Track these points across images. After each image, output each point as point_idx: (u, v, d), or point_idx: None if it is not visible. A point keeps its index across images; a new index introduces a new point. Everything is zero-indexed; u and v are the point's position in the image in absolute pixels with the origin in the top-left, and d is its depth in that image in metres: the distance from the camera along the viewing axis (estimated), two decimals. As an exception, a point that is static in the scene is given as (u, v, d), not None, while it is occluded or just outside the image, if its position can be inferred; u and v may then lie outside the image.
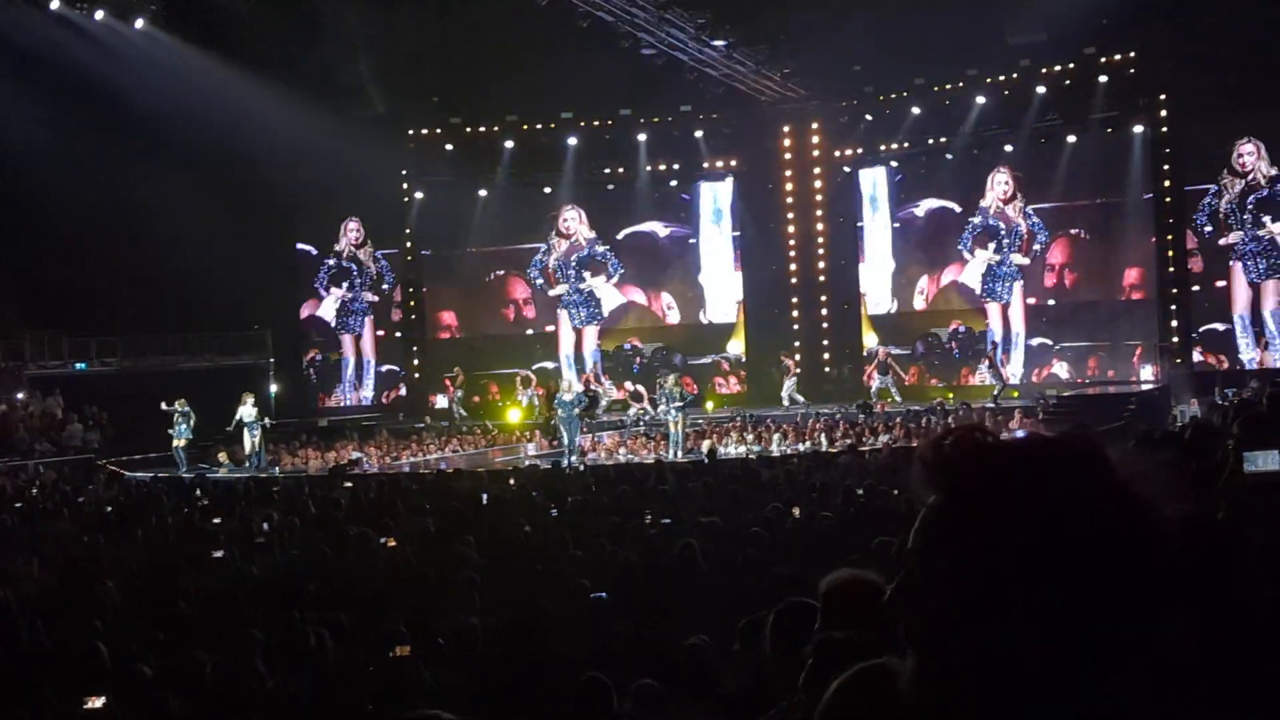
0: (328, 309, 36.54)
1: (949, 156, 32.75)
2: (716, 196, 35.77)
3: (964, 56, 30.74)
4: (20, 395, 30.03)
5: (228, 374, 31.41)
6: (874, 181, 34.52)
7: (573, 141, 35.00)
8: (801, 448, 25.24)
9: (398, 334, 37.04)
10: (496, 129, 35.22)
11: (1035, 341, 32.08)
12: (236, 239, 29.63)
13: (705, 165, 35.45)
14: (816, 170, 35.16)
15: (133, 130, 27.75)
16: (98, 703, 6.99)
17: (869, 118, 33.57)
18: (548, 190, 35.87)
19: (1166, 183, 29.95)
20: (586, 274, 35.87)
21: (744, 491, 15.51)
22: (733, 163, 35.51)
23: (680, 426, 26.17)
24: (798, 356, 33.38)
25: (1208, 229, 29.58)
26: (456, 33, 31.02)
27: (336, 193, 33.97)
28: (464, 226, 35.68)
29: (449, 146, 35.65)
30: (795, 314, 35.20)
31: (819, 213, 35.21)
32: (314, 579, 11.09)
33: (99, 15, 27.20)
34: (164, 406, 27.45)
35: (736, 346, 35.55)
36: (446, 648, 8.23)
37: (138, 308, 30.49)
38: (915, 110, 32.43)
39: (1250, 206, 29.06)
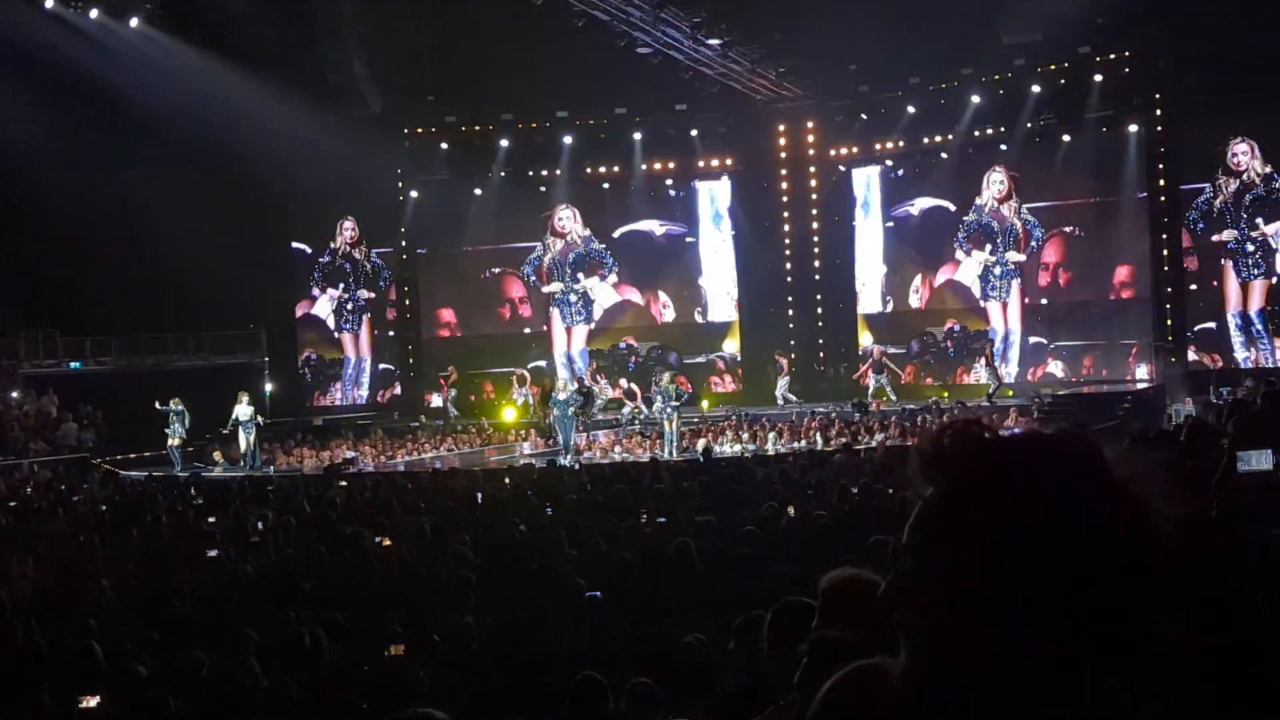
0: (322, 308, 36.48)
1: (944, 155, 32.75)
2: (713, 196, 35.76)
3: (959, 56, 30.75)
4: (15, 394, 30.00)
5: (222, 373, 31.40)
6: (869, 180, 34.51)
7: (568, 140, 34.99)
8: (797, 446, 25.26)
9: (391, 333, 37.00)
10: (492, 128, 35.20)
11: (1031, 340, 32.10)
12: (232, 238, 29.59)
13: (701, 164, 35.45)
14: (812, 169, 35.15)
15: (128, 129, 27.71)
16: (92, 702, 6.98)
17: (864, 117, 33.56)
18: (543, 189, 35.87)
19: (1161, 182, 29.99)
20: (581, 275, 35.86)
21: (739, 490, 15.52)
22: (728, 162, 35.51)
23: (675, 425, 26.18)
24: (793, 355, 33.38)
25: (1200, 225, 29.60)
26: (452, 32, 31.03)
27: (332, 191, 33.92)
28: (459, 225, 35.63)
29: (444, 145, 35.62)
30: (791, 313, 35.19)
31: (814, 211, 35.19)
32: (309, 578, 11.10)
33: (93, 14, 27.18)
34: (158, 406, 27.46)
35: (732, 345, 35.56)
36: (442, 647, 8.22)
37: (133, 307, 30.43)
38: (910, 109, 32.41)
39: (1245, 206, 29.07)
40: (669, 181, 35.75)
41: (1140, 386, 28.75)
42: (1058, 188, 31.49)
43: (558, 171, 35.53)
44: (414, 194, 36.24)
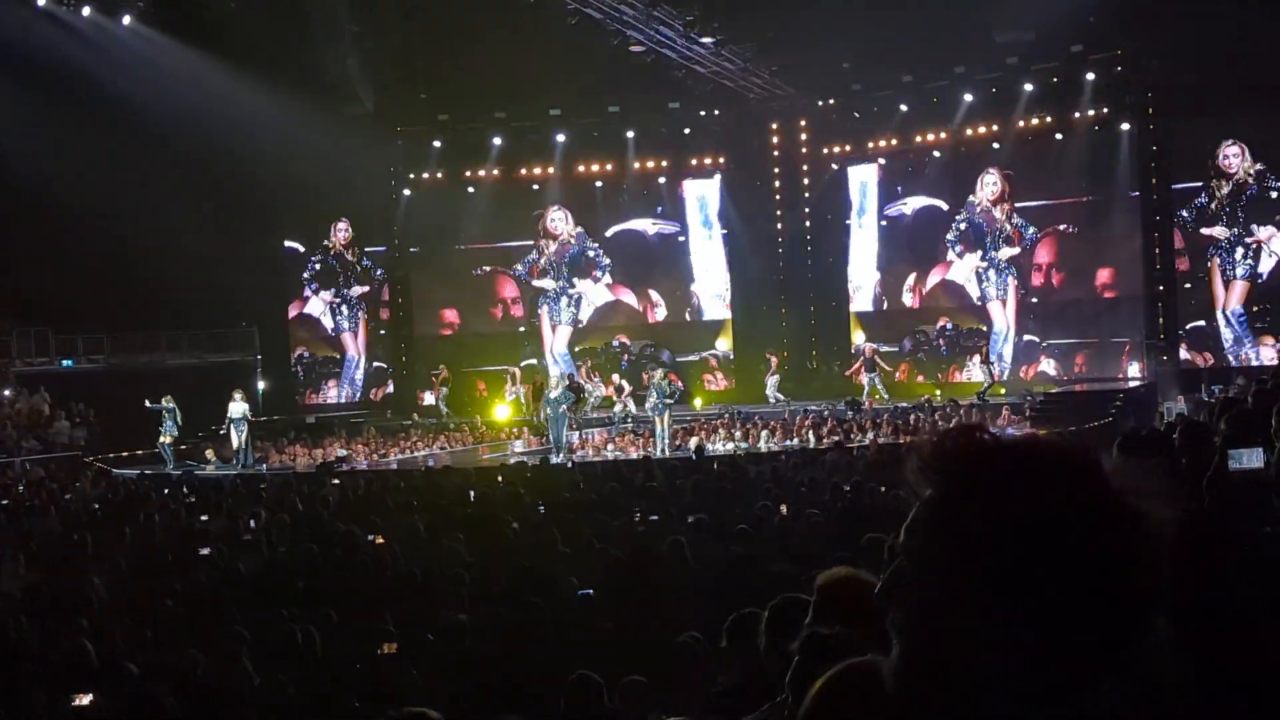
0: (315, 307, 36.41)
1: (937, 154, 32.80)
2: (705, 194, 35.77)
3: (951, 54, 30.78)
4: (7, 392, 29.95)
5: (215, 371, 31.34)
6: (862, 180, 34.53)
7: (561, 138, 34.99)
8: (789, 445, 25.27)
9: (382, 331, 36.96)
10: (485, 126, 35.18)
11: (1024, 339, 32.14)
12: (223, 235, 29.56)
13: (693, 163, 35.48)
14: (804, 168, 35.19)
15: (119, 126, 27.64)
16: (85, 700, 6.98)
17: (857, 115, 33.60)
18: (535, 187, 35.87)
19: (1153, 180, 30.04)
20: (576, 278, 35.84)
21: (732, 489, 15.52)
22: (721, 160, 35.51)
23: (667, 421, 26.20)
24: (785, 354, 33.40)
25: (1192, 225, 29.64)
26: (445, 30, 30.98)
27: (324, 190, 33.79)
28: (452, 224, 35.64)
29: (437, 143, 35.58)
30: (783, 311, 35.22)
31: (807, 210, 35.23)
32: (301, 576, 11.09)
33: (86, 12, 27.13)
34: (148, 404, 27.41)
35: (724, 344, 35.59)
36: (434, 645, 8.23)
37: (125, 304, 30.34)
38: (903, 108, 32.46)
39: (1240, 209, 29.09)
40: (661, 180, 35.74)
41: (1132, 385, 28.81)
42: (1050, 186, 31.53)
43: (550, 170, 35.53)
44: (406, 192, 36.22)
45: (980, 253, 32.48)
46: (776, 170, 35.45)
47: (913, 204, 33.57)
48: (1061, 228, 31.70)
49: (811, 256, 35.40)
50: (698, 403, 32.50)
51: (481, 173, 35.61)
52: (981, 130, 31.92)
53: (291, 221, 35.92)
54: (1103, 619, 1.37)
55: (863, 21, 28.30)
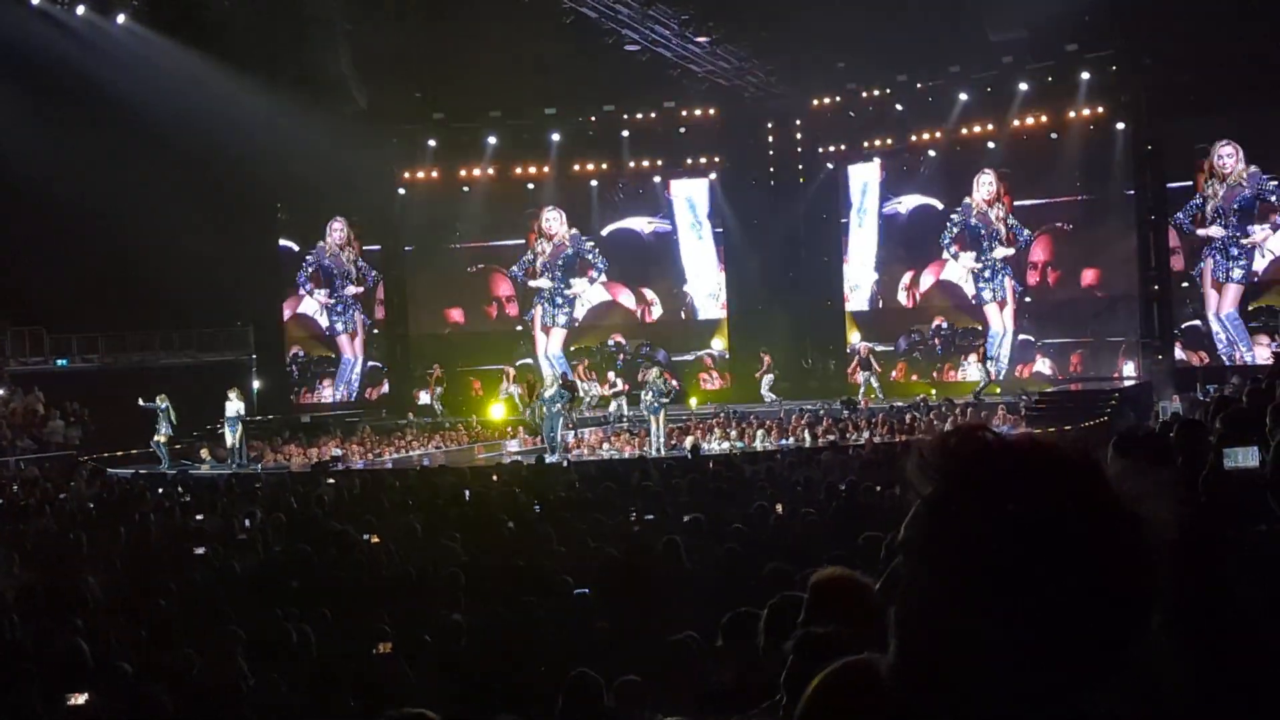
0: (310, 306, 36.37)
1: (932, 153, 32.82)
2: (693, 195, 35.74)
3: (947, 54, 30.81)
4: (1, 391, 29.91)
5: (210, 370, 31.32)
6: (864, 179, 34.51)
7: (556, 137, 34.98)
8: (785, 444, 25.29)
9: (376, 330, 36.92)
10: (480, 125, 35.15)
11: (1019, 338, 32.15)
12: (218, 234, 29.49)
13: (689, 162, 35.46)
14: (799, 167, 35.19)
15: (114, 126, 27.61)
16: (80, 699, 6.97)
17: (852, 115, 33.60)
18: (531, 186, 35.85)
19: (1148, 179, 30.06)
20: (572, 279, 35.81)
21: (727, 488, 15.52)
22: (716, 159, 35.49)
23: (662, 419, 26.22)
24: (779, 353, 33.41)
25: (1188, 225, 29.66)
26: (440, 29, 30.95)
27: (319, 188, 33.74)
28: (447, 223, 35.63)
29: (432, 142, 35.56)
30: (779, 310, 35.20)
31: (802, 209, 35.23)
32: (297, 576, 11.08)
33: (80, 11, 27.10)
34: (141, 403, 27.38)
35: (720, 343, 35.59)
36: (430, 644, 8.22)
37: (119, 304, 30.31)
38: (898, 107, 32.50)
39: (1234, 210, 29.10)
40: (657, 179, 35.73)
41: (1128, 384, 28.83)
42: (1045, 185, 31.55)
43: (545, 168, 35.51)
44: (401, 191, 36.19)
45: (975, 254, 32.48)
46: (772, 170, 35.47)
47: (907, 203, 33.57)
48: (1057, 224, 31.67)
49: (807, 256, 35.39)
50: (693, 402, 32.49)
51: (476, 171, 35.60)
52: (976, 129, 31.92)
53: (286, 220, 35.91)
54: (1102, 619, 1.36)
55: (858, 21, 28.30)
